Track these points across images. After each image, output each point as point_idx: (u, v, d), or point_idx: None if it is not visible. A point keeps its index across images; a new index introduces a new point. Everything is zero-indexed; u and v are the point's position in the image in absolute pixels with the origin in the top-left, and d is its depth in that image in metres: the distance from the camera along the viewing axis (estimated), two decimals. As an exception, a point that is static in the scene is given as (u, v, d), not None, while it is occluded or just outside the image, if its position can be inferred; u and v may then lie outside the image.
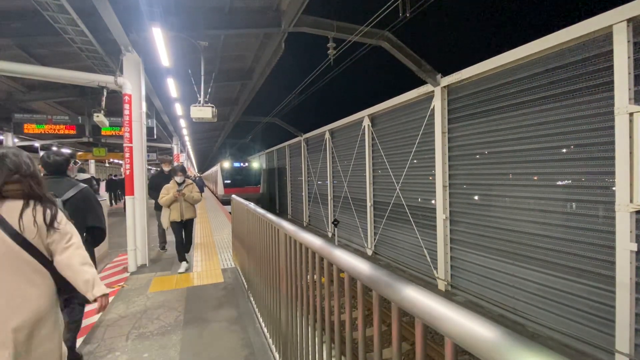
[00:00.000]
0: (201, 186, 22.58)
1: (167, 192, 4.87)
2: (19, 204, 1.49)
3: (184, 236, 5.15)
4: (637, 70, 3.83)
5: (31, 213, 1.50)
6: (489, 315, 5.55)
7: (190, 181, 5.10)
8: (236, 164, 19.90)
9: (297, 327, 1.89)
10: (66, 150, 18.50)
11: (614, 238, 3.99)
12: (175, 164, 5.74)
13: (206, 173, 39.41)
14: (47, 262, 1.54)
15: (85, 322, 3.24)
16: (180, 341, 2.87)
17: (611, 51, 4.02)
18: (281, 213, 17.77)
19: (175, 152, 16.26)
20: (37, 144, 14.34)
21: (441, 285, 6.77)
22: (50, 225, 1.54)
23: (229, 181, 19.15)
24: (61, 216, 1.62)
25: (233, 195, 4.93)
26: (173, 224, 4.95)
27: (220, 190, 19.16)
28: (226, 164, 19.68)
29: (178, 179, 4.97)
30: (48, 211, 1.55)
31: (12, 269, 1.43)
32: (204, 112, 6.56)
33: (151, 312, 3.48)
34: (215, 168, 23.22)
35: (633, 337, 3.82)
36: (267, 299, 2.66)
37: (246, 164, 20.09)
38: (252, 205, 3.26)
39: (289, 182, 17.50)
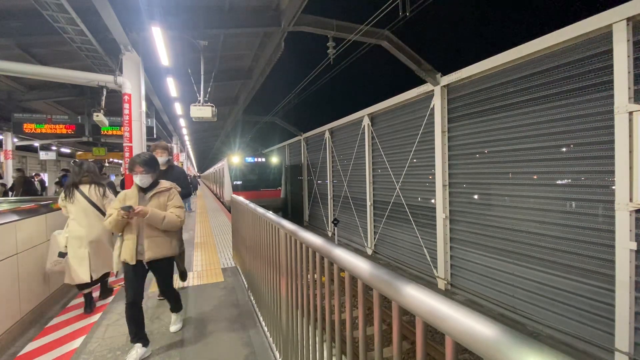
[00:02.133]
0: (195, 185, 19.15)
1: (122, 204, 2.60)
2: (88, 186, 3.45)
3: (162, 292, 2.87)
4: (637, 69, 3.83)
5: (94, 190, 3.48)
6: (489, 314, 5.56)
7: (167, 185, 2.82)
8: (249, 159, 15.13)
9: (297, 326, 1.89)
10: (66, 150, 18.49)
11: (614, 237, 4.00)
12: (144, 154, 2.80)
13: (208, 172, 34.21)
14: (103, 214, 3.41)
15: (86, 322, 3.25)
16: (181, 340, 2.87)
17: (611, 50, 4.03)
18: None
19: (175, 151, 16.23)
20: (36, 143, 14.32)
21: (441, 284, 6.78)
22: (103, 195, 3.51)
23: (239, 182, 14.54)
24: (108, 192, 3.57)
25: (233, 195, 4.83)
26: (126, 268, 2.62)
27: (228, 193, 14.36)
28: (236, 159, 14.85)
29: (139, 179, 2.64)
30: (101, 189, 3.52)
31: (89, 216, 3.38)
32: (204, 111, 6.56)
33: (151, 311, 3.48)
34: (221, 164, 17.74)
35: (633, 336, 3.83)
36: (267, 298, 2.66)
37: (263, 159, 15.37)
38: (252, 204, 3.24)
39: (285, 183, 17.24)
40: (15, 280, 3.05)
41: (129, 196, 2.69)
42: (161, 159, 3.63)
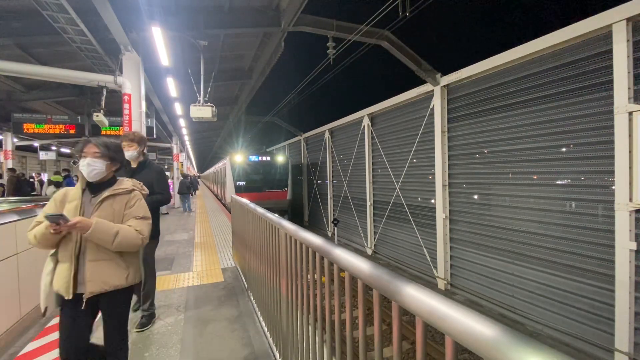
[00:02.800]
0: (195, 185, 19.31)
1: (53, 209, 1.75)
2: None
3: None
4: (637, 69, 3.84)
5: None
6: (489, 314, 5.56)
7: (127, 185, 1.92)
8: (253, 158, 14.08)
9: (297, 326, 1.89)
10: (66, 150, 18.49)
11: (614, 237, 4.00)
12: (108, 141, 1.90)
13: (208, 171, 33.13)
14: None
15: (86, 322, 3.25)
16: (181, 340, 2.87)
17: (610, 50, 4.03)
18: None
19: (175, 151, 16.21)
20: (36, 143, 14.32)
21: (441, 284, 6.78)
22: None
23: (242, 182, 13.56)
24: None
25: (232, 195, 4.81)
26: (61, 304, 1.72)
27: (231, 195, 11.98)
28: (239, 158, 13.84)
29: (86, 164, 1.75)
30: None
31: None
32: (204, 111, 6.55)
33: (151, 311, 3.48)
34: (223, 164, 16.70)
35: (632, 336, 3.83)
36: (267, 298, 2.66)
37: (268, 158, 14.33)
38: (252, 204, 3.23)
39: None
40: (16, 280, 3.05)
41: (71, 197, 1.78)
42: (129, 153, 2.82)
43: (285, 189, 13.90)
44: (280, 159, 14.28)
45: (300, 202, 15.43)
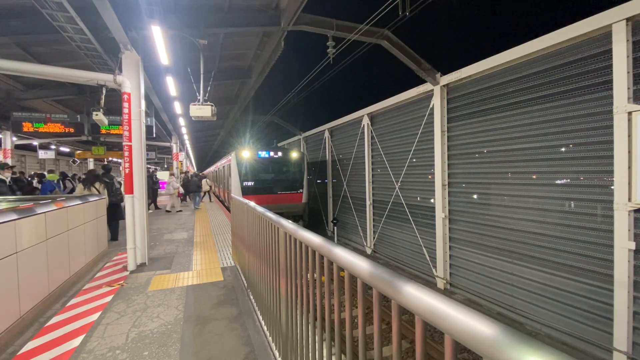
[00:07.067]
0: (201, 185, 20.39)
1: None
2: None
3: None
4: (636, 69, 3.84)
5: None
6: (488, 313, 5.57)
7: None
8: (263, 154, 12.30)
9: (297, 325, 1.89)
10: (65, 149, 18.46)
11: (613, 236, 4.01)
12: None
13: (209, 169, 30.79)
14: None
15: (86, 321, 3.25)
16: (180, 339, 2.88)
17: (610, 50, 4.03)
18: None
19: (174, 150, 16.21)
20: (35, 142, 14.30)
21: (440, 284, 6.79)
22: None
23: (250, 183, 11.85)
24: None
25: (233, 194, 4.81)
26: None
27: (231, 195, 10.42)
28: (246, 154, 12.04)
29: None
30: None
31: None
32: (204, 110, 6.54)
33: (151, 310, 3.48)
34: (227, 160, 14.80)
35: (631, 335, 3.84)
36: (267, 298, 2.66)
37: (280, 154, 12.51)
38: (252, 203, 3.23)
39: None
40: (15, 280, 3.05)
41: None
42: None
43: (301, 190, 12.23)
44: (294, 155, 12.52)
45: (319, 207, 13.81)
